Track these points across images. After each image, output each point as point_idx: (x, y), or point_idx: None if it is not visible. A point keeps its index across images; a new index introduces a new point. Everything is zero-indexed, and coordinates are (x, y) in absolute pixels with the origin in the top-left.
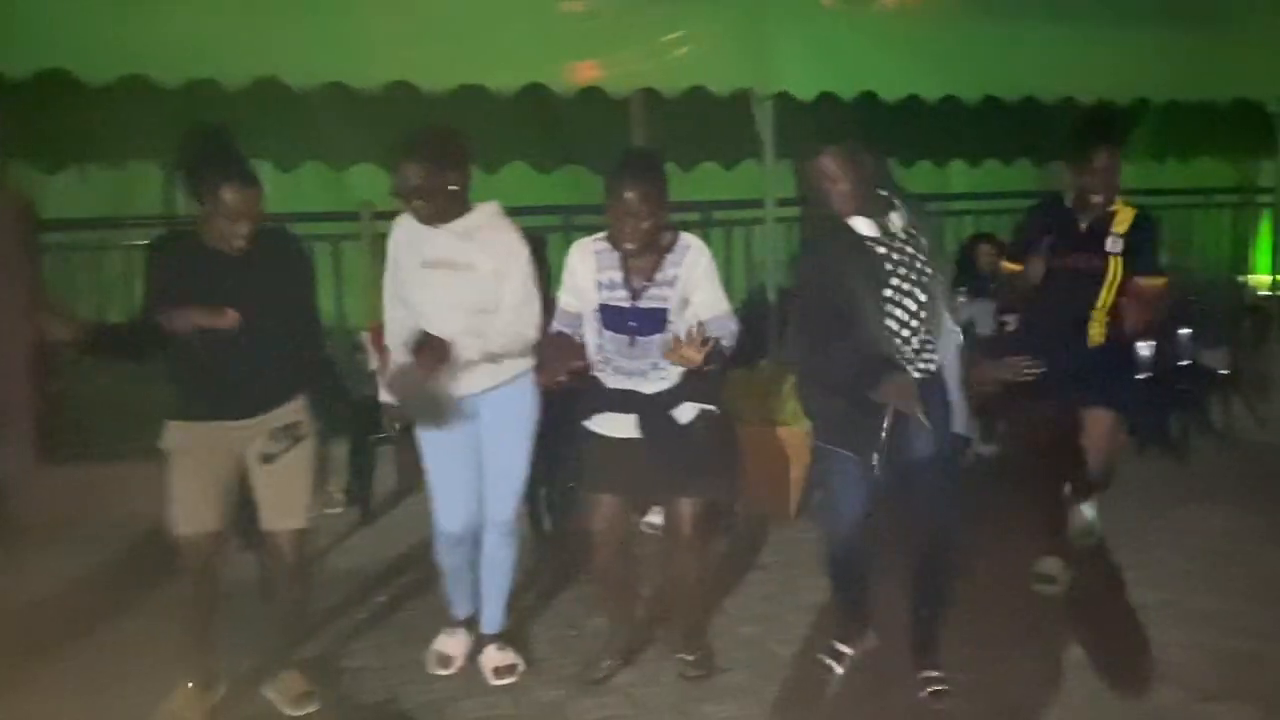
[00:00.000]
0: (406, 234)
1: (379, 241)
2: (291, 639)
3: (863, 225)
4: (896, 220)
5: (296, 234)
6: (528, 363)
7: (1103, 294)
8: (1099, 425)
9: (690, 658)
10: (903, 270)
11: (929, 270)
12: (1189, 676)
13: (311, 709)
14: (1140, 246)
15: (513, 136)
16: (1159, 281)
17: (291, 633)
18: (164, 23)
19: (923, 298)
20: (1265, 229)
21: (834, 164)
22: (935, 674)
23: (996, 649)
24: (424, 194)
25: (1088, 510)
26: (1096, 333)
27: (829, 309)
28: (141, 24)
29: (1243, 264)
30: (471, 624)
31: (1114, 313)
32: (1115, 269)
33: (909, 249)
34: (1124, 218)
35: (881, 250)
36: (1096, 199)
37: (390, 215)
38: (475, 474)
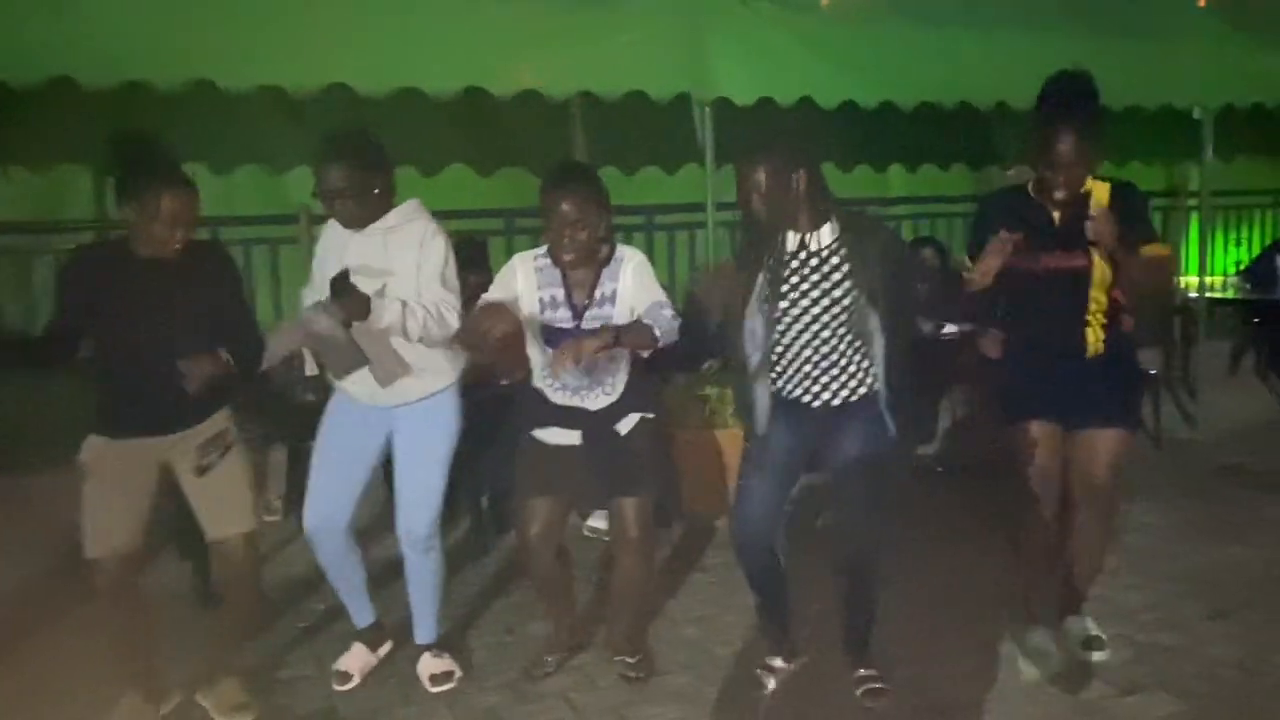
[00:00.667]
0: (333, 239)
1: (317, 243)
2: (238, 645)
3: (783, 239)
4: (823, 237)
5: (225, 245)
6: (448, 379)
7: (1092, 295)
8: (1109, 445)
9: (631, 660)
10: (811, 284)
11: (851, 287)
12: (1114, 671)
13: (248, 719)
14: (1128, 217)
15: (452, 139)
16: (1162, 250)
17: (238, 639)
18: (94, 25)
19: (833, 315)
20: (1194, 231)
21: (759, 175)
22: (870, 673)
23: (930, 646)
24: (348, 195)
25: (1088, 625)
26: (1095, 340)
27: (737, 313)
28: (71, 26)
29: (1174, 265)
30: (374, 635)
31: (1112, 315)
32: (1101, 264)
33: (829, 265)
34: (1100, 197)
35: (794, 264)
36: (1060, 195)
37: (328, 217)
38: (347, 473)
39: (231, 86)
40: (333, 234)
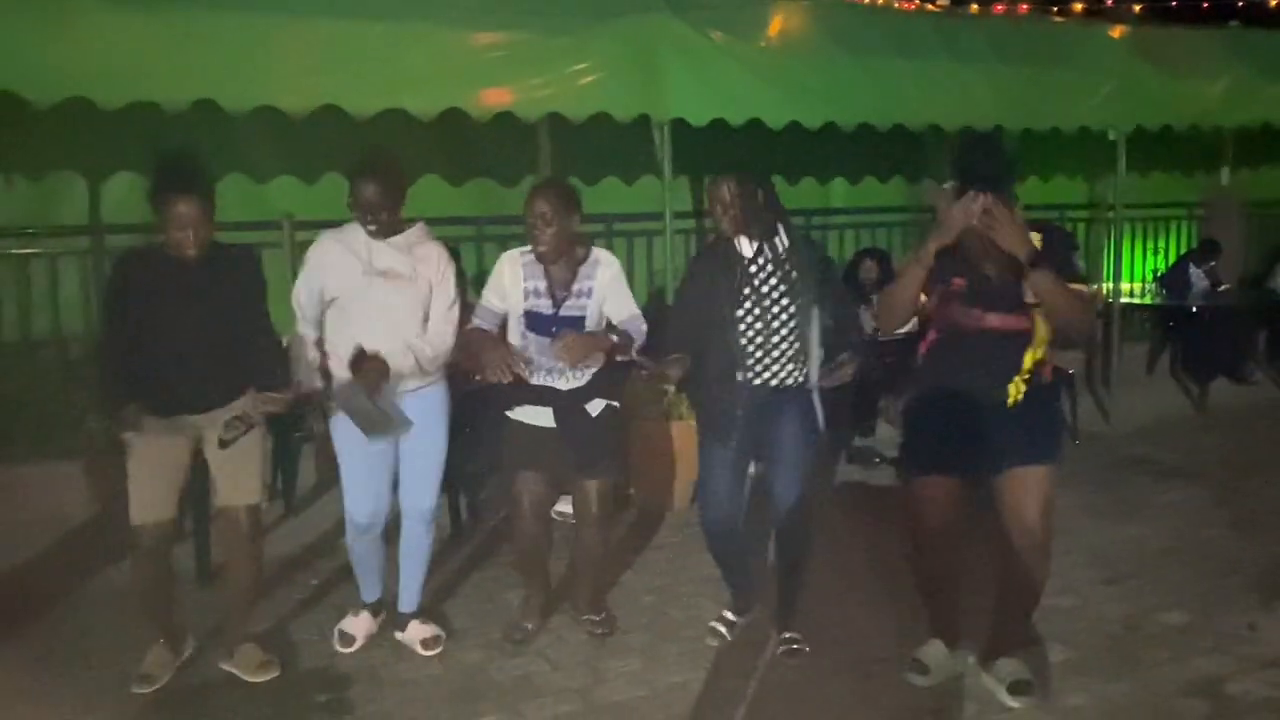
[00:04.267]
0: (341, 248)
1: (299, 250)
2: (244, 614)
3: (744, 245)
4: (778, 244)
5: (253, 249)
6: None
7: (1027, 358)
8: (1034, 484)
9: (597, 618)
10: (770, 286)
11: (799, 291)
12: None
13: (273, 675)
14: (1054, 259)
15: (430, 152)
16: (1083, 288)
17: (245, 607)
18: (108, 51)
19: (788, 315)
20: (1112, 241)
21: (725, 190)
22: (791, 635)
23: (855, 612)
24: (386, 207)
25: (1018, 669)
26: (1016, 393)
27: (695, 311)
28: (87, 52)
29: (1096, 273)
30: (378, 606)
31: (1035, 368)
32: (1040, 324)
33: (784, 270)
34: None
35: (753, 269)
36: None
37: (309, 224)
38: (385, 469)
39: (233, 107)
40: (341, 244)
